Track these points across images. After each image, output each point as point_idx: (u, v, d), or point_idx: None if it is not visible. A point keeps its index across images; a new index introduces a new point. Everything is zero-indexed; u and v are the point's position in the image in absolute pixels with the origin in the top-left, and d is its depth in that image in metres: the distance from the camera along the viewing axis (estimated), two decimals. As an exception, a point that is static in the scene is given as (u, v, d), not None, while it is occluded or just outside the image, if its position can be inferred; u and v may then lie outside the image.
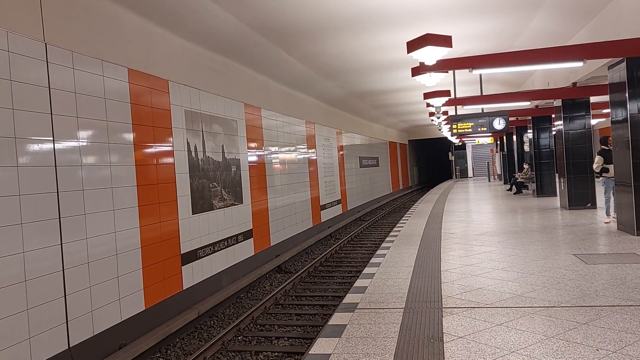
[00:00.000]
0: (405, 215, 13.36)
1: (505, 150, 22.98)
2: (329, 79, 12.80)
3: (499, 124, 12.73)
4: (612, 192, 9.01)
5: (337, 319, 4.51)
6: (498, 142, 27.41)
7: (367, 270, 6.49)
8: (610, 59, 7.82)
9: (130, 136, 6.20)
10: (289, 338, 6.31)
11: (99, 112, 5.65)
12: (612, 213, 9.17)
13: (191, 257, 7.39)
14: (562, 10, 8.11)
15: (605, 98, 9.64)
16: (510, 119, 14.53)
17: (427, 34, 6.12)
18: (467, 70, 7.71)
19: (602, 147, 9.30)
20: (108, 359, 5.20)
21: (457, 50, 8.52)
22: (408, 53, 6.41)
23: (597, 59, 7.87)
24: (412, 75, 8.35)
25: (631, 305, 4.30)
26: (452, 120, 13.31)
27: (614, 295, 4.64)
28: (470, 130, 13.06)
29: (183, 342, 6.39)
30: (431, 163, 46.95)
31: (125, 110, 6.13)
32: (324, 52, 9.82)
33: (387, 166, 27.95)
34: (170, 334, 6.23)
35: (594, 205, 11.66)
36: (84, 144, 5.38)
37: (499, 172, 28.67)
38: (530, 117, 15.60)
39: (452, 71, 10.82)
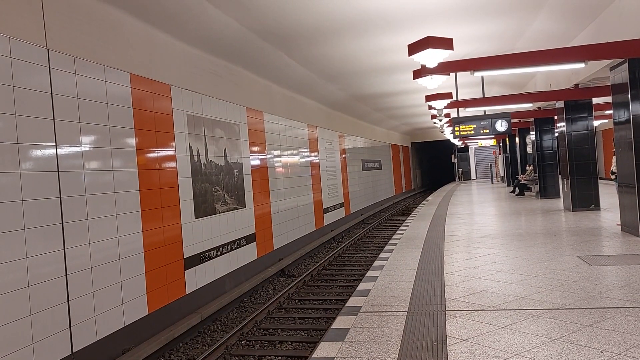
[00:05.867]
0: (408, 218, 13.33)
1: (508, 152, 22.96)
2: (330, 82, 12.82)
3: (501, 125, 12.76)
4: None
5: (340, 322, 4.50)
6: (501, 144, 27.37)
7: (370, 273, 6.48)
8: (612, 60, 7.81)
9: (132, 141, 6.21)
10: (293, 342, 6.30)
11: (102, 117, 5.67)
12: None
13: (194, 261, 7.39)
14: (564, 12, 8.10)
15: (608, 99, 9.61)
16: (513, 120, 14.52)
17: (428, 37, 6.11)
18: (469, 72, 7.70)
19: None
20: (111, 364, 5.21)
21: (458, 53, 8.52)
22: (409, 56, 6.40)
23: (598, 60, 7.85)
24: (414, 78, 8.34)
25: (636, 307, 4.28)
26: (455, 122, 13.34)
27: (618, 297, 4.62)
28: (472, 132, 13.11)
29: (186, 347, 6.39)
30: (434, 165, 46.90)
31: (127, 115, 6.15)
32: (326, 55, 9.84)
33: (390, 169, 27.92)
34: (173, 339, 6.23)
35: (597, 207, 11.62)
36: (87, 149, 5.40)
37: (501, 174, 28.62)
38: (532, 119, 15.58)
39: (453, 73, 10.83)
